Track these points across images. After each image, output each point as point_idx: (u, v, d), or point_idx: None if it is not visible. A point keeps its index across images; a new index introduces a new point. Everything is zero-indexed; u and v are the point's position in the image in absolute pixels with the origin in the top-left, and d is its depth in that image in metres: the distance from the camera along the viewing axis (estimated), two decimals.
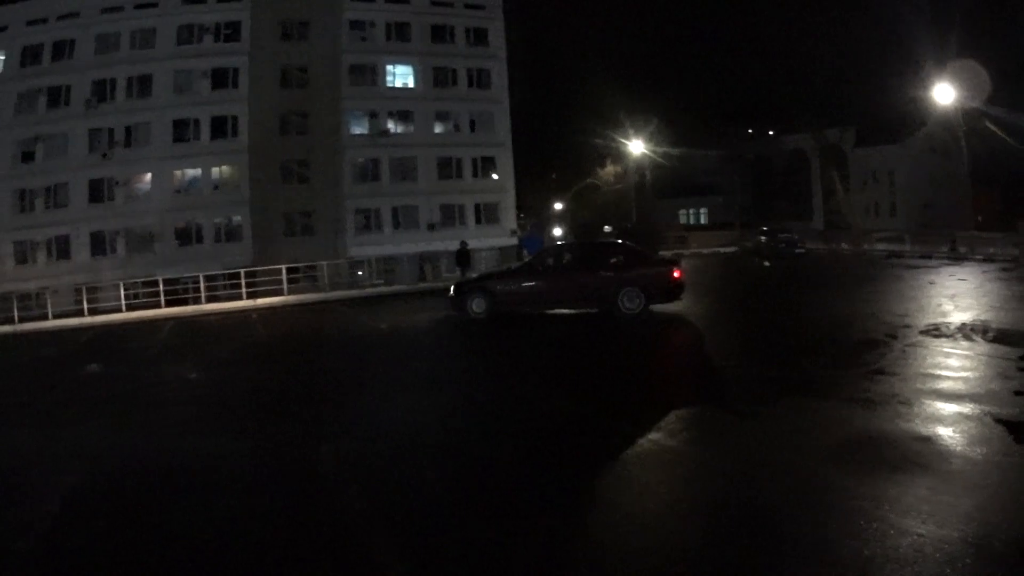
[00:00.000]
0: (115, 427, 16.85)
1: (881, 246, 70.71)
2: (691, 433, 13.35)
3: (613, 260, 30.63)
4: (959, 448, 11.24)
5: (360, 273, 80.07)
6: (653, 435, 12.91)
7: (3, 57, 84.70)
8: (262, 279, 65.02)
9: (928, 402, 13.86)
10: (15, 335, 49.27)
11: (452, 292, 32.67)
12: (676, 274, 29.97)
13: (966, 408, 13.23)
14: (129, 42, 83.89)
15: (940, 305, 27.90)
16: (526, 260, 38.53)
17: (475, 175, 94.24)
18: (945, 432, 11.98)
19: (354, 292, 63.09)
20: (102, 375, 25.79)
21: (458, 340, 28.94)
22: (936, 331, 21.53)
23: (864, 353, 19.13)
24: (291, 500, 10.97)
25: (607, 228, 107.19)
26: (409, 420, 15.66)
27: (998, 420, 12.33)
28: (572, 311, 30.42)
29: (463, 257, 55.97)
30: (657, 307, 29.48)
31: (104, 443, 15.42)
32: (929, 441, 11.56)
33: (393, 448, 13.40)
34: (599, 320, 28.27)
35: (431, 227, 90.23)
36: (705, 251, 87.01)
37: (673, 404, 15.27)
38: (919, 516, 8.68)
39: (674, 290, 29.91)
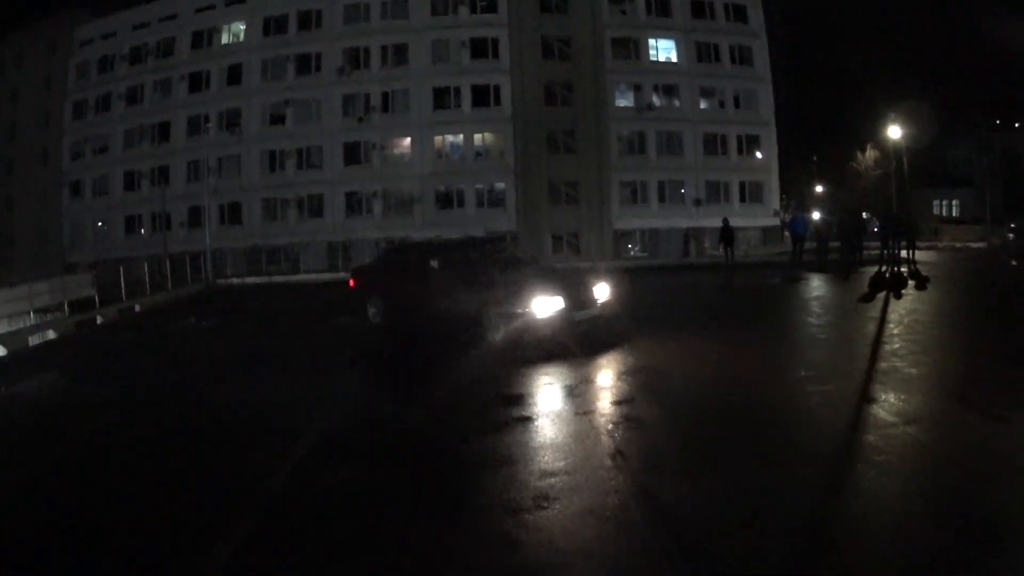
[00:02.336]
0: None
1: None
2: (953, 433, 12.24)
3: None
4: None
5: (631, 247, 78.59)
6: (908, 428, 12.28)
7: (244, 27, 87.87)
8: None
9: None
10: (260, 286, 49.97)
11: None
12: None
13: None
14: (380, 12, 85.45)
15: None
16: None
17: (740, 153, 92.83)
18: None
19: (619, 262, 63.01)
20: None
21: None
22: None
23: None
24: None
25: (864, 214, 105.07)
26: None
27: None
28: None
29: (727, 234, 55.39)
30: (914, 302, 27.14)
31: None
32: None
33: None
34: None
35: (697, 203, 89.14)
36: (957, 245, 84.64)
37: (925, 401, 14.15)
38: None
39: None
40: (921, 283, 31.94)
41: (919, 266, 35.53)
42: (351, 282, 30.19)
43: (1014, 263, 59.07)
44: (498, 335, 21.32)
